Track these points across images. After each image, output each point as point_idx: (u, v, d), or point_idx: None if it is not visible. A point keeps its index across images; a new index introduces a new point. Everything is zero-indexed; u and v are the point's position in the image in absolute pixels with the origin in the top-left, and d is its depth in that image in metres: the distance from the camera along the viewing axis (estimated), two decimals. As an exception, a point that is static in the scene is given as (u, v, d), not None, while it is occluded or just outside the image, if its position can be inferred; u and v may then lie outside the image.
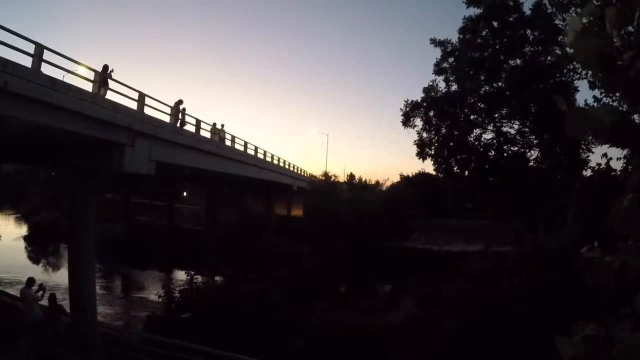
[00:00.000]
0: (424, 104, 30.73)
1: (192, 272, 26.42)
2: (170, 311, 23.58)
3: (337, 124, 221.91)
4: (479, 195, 33.32)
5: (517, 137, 29.23)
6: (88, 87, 16.65)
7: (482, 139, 30.30)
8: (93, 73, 17.12)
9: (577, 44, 1.84)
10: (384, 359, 18.19)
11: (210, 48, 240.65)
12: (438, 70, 30.41)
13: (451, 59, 30.02)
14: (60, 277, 32.47)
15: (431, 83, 30.66)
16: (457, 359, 16.45)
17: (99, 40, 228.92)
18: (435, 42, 30.17)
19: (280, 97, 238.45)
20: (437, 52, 30.37)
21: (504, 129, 29.71)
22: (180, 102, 25.62)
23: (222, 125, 32.96)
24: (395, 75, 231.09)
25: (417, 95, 33.01)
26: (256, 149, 39.89)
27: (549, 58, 27.47)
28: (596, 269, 2.06)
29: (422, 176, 53.76)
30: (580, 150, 26.52)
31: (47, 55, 13.80)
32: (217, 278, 31.35)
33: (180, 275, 36.86)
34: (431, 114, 30.78)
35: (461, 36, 29.61)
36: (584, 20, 1.89)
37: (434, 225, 42.58)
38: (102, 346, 16.93)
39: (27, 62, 13.16)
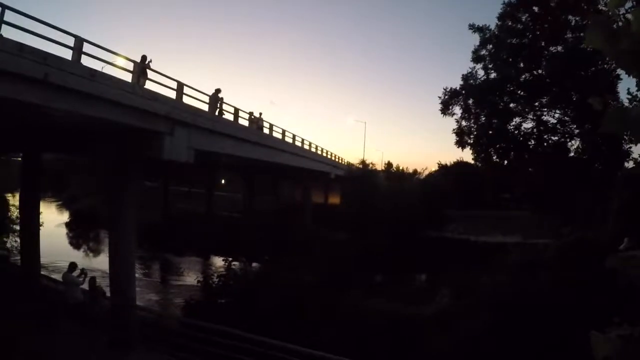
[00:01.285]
0: (463, 92, 30.34)
1: (230, 258, 26.73)
2: (209, 296, 23.92)
3: (375, 112, 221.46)
4: (517, 186, 32.80)
5: (558, 126, 28.60)
6: (127, 77, 16.90)
7: (522, 128, 29.79)
8: (132, 64, 17.34)
9: (603, 40, 1.81)
10: (417, 348, 18.17)
11: (247, 37, 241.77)
12: (477, 57, 29.91)
13: (490, 46, 29.49)
14: (101, 262, 33.20)
15: (470, 70, 30.20)
16: (490, 350, 16.32)
17: (137, 30, 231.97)
18: (474, 27, 29.66)
19: (318, 86, 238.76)
20: (476, 39, 29.94)
21: (544, 118, 29.12)
22: (218, 90, 25.78)
23: (260, 114, 33.15)
24: (434, 61, 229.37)
25: (456, 83, 32.58)
26: (294, 136, 39.99)
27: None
28: (634, 268, 2.03)
29: (460, 165, 53.12)
30: (623, 141, 25.82)
31: (86, 47, 14.07)
32: (254, 264, 31.62)
33: (218, 261, 37.31)
34: (470, 102, 30.37)
35: (500, 22, 29.03)
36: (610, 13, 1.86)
37: (471, 215, 42.06)
38: (140, 329, 17.29)
39: (67, 54, 13.45)
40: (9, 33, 11.73)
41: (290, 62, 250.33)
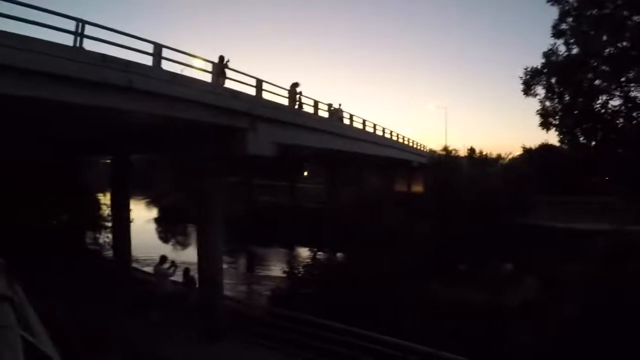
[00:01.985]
0: (545, 71, 29.27)
1: (315, 249, 27.23)
2: (294, 286, 24.42)
3: (455, 97, 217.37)
4: (605, 169, 31.48)
5: (648, 103, 27.27)
6: (206, 77, 17.54)
7: (609, 106, 28.50)
8: (210, 65, 17.96)
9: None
10: (502, 339, 17.89)
11: (320, 26, 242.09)
12: (557, 32, 28.55)
13: (570, 19, 28.17)
14: (189, 254, 34.49)
15: (550, 47, 29.03)
16: (578, 344, 15.84)
17: (211, 30, 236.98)
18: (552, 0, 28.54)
19: (396, 73, 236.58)
20: (555, 12, 28.64)
21: (632, 94, 27.68)
22: (296, 84, 26.18)
23: (339, 105, 33.37)
24: (512, 39, 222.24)
25: (537, 60, 31.31)
26: (374, 126, 39.98)
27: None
28: None
29: (545, 148, 51.48)
30: None
31: (165, 52, 14.79)
32: (338, 254, 31.86)
33: (303, 252, 38.04)
34: (553, 80, 29.25)
35: (580, -8, 27.74)
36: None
37: (557, 201, 40.51)
38: (229, 318, 18.02)
39: (147, 60, 14.24)
40: (91, 46, 12.56)
41: (368, 50, 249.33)
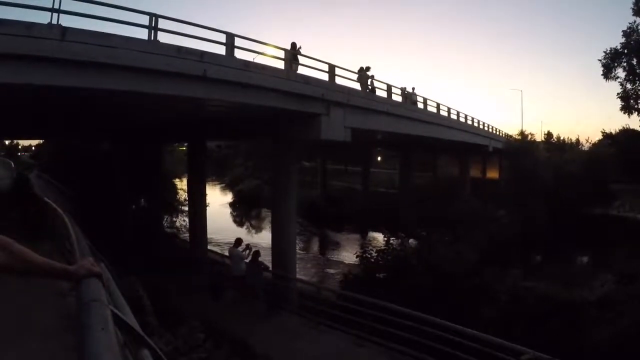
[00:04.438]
0: (625, 51, 27.95)
1: (388, 235, 27.27)
2: (366, 271, 24.55)
3: (531, 79, 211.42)
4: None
5: None
6: (279, 64, 17.82)
7: (697, 89, 27.07)
8: (282, 52, 18.22)
9: None
10: (579, 335, 17.45)
11: (392, 8, 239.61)
12: (637, 9, 27.16)
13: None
14: (261, 237, 35.22)
15: (631, 25, 27.58)
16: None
17: (280, 16, 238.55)
18: (631, -26, 27.02)
19: (470, 56, 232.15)
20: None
21: None
22: (367, 69, 26.10)
23: (413, 89, 33.05)
24: (590, 19, 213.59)
25: (616, 41, 29.63)
26: (449, 109, 39.31)
27: None
28: None
29: (627, 133, 49.21)
30: None
31: (237, 41, 15.15)
32: (411, 241, 31.75)
33: (375, 237, 38.09)
34: (634, 61, 27.94)
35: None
36: None
37: (640, 190, 38.68)
38: (299, 299, 18.42)
39: (221, 50, 14.64)
40: (165, 38, 13.16)
41: (441, 34, 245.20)
